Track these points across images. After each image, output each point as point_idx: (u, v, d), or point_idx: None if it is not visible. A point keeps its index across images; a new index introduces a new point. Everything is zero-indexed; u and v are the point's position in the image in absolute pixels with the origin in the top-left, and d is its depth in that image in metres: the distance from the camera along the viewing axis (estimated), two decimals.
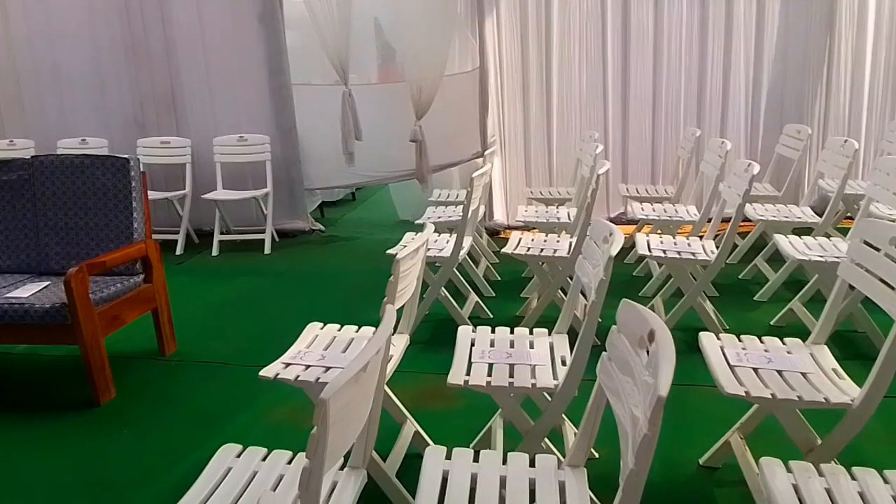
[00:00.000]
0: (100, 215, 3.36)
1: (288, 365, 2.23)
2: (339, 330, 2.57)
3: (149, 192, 3.61)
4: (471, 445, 2.55)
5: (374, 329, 2.63)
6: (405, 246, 3.83)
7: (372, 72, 6.24)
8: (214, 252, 5.54)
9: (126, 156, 3.38)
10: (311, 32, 5.33)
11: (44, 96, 5.88)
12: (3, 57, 5.80)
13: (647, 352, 1.26)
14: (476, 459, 1.71)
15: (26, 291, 3.13)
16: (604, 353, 1.56)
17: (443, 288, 3.67)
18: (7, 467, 2.60)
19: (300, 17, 5.37)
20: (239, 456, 1.73)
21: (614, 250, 1.91)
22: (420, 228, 4.30)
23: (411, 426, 2.50)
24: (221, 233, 5.66)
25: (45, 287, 3.20)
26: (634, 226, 4.64)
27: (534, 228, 4.57)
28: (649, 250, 3.47)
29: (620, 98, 5.52)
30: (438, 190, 5.32)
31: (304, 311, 4.23)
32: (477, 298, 3.99)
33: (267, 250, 5.56)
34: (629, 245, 3.83)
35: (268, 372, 2.17)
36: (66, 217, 3.39)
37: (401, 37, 5.61)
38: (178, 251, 5.58)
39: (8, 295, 3.07)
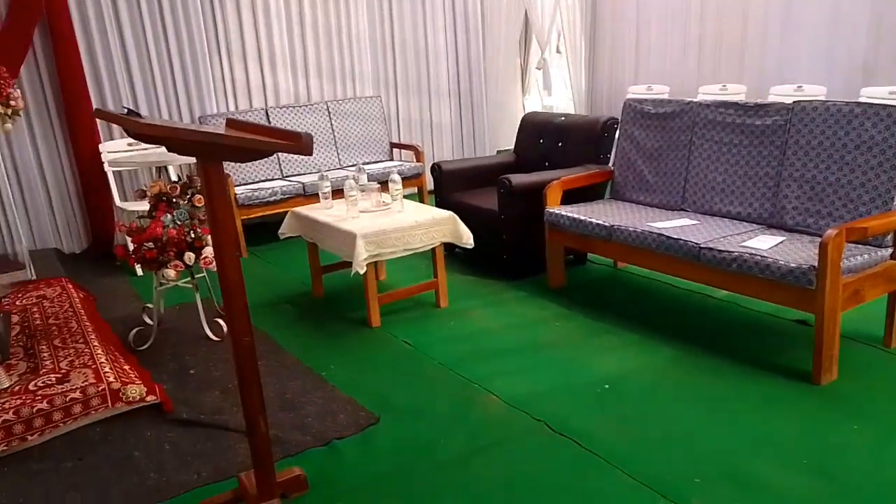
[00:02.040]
0: (856, 172, 2.93)
1: None
2: None
3: None
4: None
5: None
6: None
7: None
8: None
9: None
10: None
11: (766, 41, 5.74)
12: (734, 3, 5.88)
13: None
14: None
15: (762, 243, 3.00)
16: None
17: None
18: (720, 413, 2.55)
19: None
20: None
21: None
22: None
23: None
24: None
25: (780, 242, 3.00)
26: None
27: None
28: None
29: None
30: None
31: None
32: None
33: None
34: None
35: None
36: (813, 170, 3.09)
37: None
38: None
39: (746, 243, 3.00)
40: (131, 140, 5.05)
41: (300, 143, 1.63)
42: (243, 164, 5.38)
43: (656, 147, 3.85)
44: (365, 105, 6.01)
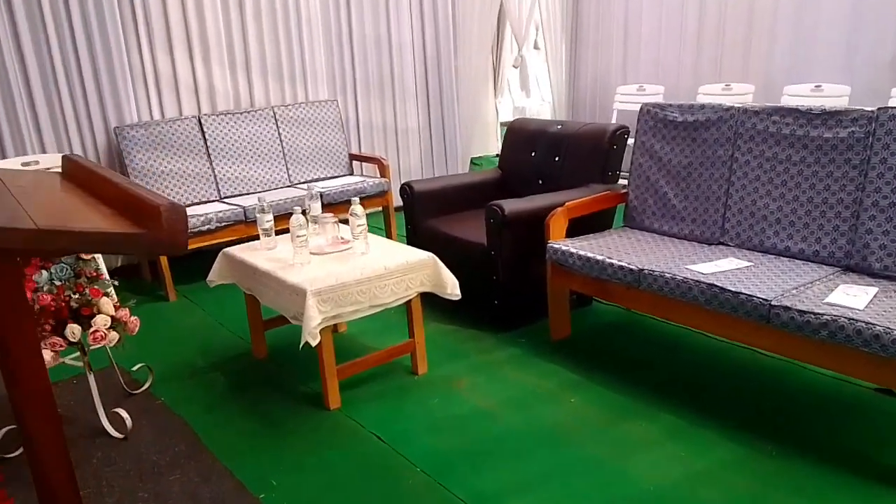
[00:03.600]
0: None
1: None
2: None
3: None
4: None
5: None
6: None
7: None
8: None
9: None
10: None
11: (776, 34, 5.05)
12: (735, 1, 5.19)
13: None
14: None
15: (851, 299, 2.24)
16: None
17: None
18: None
19: None
20: None
21: None
22: None
23: None
24: None
25: (874, 297, 2.26)
26: None
27: None
28: None
29: None
30: None
31: None
32: None
33: None
34: None
35: None
36: None
37: None
38: None
39: (830, 300, 2.24)
40: (28, 159, 4.10)
41: (157, 230, 0.79)
42: (173, 183, 4.45)
43: (684, 164, 3.08)
44: (319, 110, 5.12)
